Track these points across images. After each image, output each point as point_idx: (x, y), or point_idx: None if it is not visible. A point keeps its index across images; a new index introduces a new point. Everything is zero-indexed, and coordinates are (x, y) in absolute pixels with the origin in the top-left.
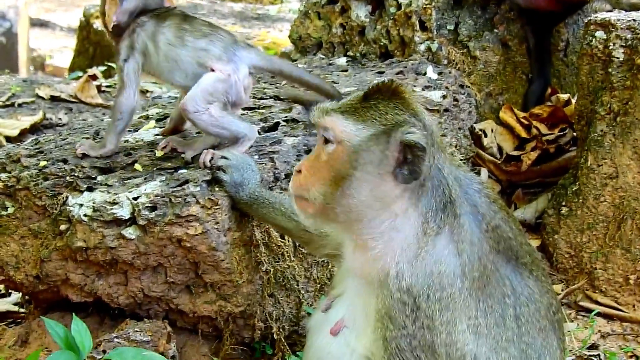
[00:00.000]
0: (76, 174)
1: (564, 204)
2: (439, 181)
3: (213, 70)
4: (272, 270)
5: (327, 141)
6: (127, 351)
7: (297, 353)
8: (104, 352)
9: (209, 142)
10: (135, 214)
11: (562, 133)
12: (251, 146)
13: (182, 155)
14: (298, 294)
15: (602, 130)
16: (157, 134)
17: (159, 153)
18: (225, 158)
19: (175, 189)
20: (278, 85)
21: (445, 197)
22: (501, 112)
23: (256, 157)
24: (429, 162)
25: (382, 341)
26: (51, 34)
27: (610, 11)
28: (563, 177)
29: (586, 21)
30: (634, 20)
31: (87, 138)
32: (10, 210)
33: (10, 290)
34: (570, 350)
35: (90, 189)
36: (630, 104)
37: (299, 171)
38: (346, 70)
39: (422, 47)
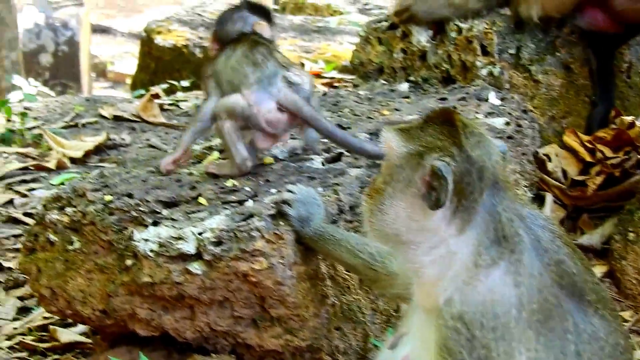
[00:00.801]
0: (141, 209)
1: (630, 229)
2: (492, 215)
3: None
4: (338, 303)
5: None
6: None
7: None
8: None
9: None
10: (200, 249)
11: (627, 156)
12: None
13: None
14: (365, 326)
15: None
16: None
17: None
18: (291, 192)
19: (240, 223)
20: (340, 113)
21: (498, 232)
22: (565, 135)
23: (320, 189)
24: (473, 195)
25: None
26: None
27: None
28: (629, 202)
29: None
30: None
31: (152, 172)
32: (77, 245)
33: None
34: None
35: (155, 224)
36: None
37: None
38: (408, 97)
39: (484, 72)
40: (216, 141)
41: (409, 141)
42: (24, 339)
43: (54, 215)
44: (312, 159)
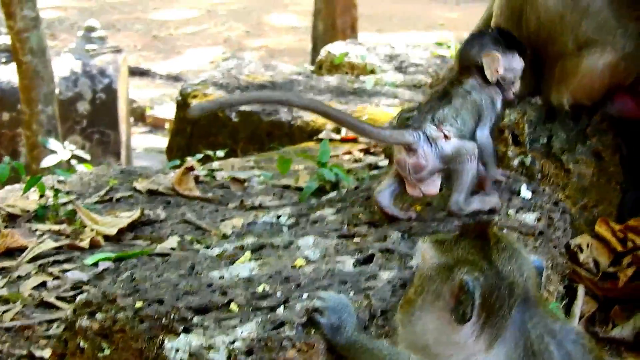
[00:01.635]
0: (172, 316)
1: None
2: (522, 332)
3: None
4: None
5: None
6: None
7: None
8: None
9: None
10: (231, 359)
11: None
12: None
13: None
14: None
15: None
16: (253, 268)
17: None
18: (322, 299)
19: (271, 332)
20: (373, 210)
21: (527, 349)
22: (596, 225)
23: (351, 293)
24: (502, 310)
25: None
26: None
27: None
28: None
29: None
30: None
31: (183, 275)
32: (107, 352)
33: None
34: None
35: (186, 331)
36: None
37: None
38: (441, 189)
39: (515, 162)
40: (248, 240)
41: (442, 253)
42: None
43: (84, 322)
44: (343, 261)
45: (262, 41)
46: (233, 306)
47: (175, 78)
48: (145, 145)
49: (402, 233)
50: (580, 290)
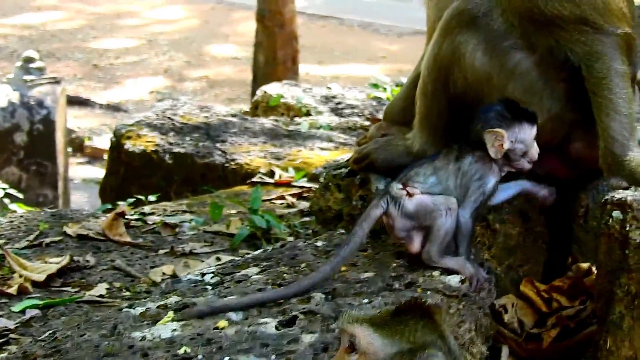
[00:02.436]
0: None
1: None
2: None
3: None
4: None
5: (351, 348)
6: None
7: None
8: None
9: None
10: None
11: (582, 306)
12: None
13: None
14: None
15: (621, 311)
16: (175, 329)
17: None
18: None
19: None
20: (297, 269)
21: None
22: (521, 285)
23: (273, 357)
24: None
25: None
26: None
27: (627, 188)
28: (584, 357)
29: (602, 200)
30: None
31: (104, 335)
32: None
33: None
34: None
35: None
36: None
37: None
38: (365, 250)
39: None
40: (172, 299)
41: (392, 338)
42: None
43: None
44: (265, 324)
45: (203, 72)
46: None
47: (115, 108)
48: (83, 176)
49: (325, 295)
50: (505, 351)
